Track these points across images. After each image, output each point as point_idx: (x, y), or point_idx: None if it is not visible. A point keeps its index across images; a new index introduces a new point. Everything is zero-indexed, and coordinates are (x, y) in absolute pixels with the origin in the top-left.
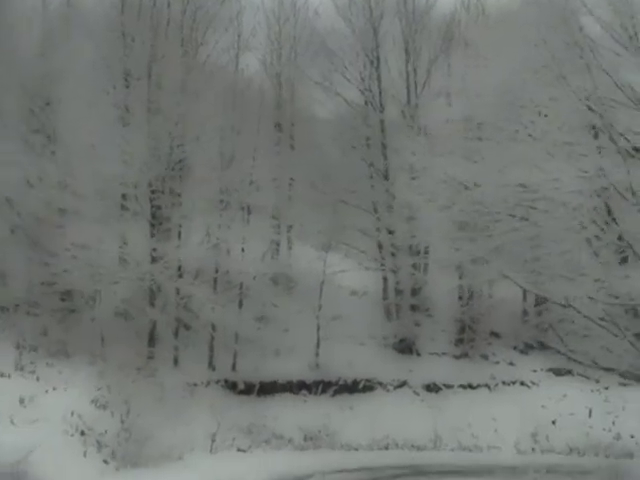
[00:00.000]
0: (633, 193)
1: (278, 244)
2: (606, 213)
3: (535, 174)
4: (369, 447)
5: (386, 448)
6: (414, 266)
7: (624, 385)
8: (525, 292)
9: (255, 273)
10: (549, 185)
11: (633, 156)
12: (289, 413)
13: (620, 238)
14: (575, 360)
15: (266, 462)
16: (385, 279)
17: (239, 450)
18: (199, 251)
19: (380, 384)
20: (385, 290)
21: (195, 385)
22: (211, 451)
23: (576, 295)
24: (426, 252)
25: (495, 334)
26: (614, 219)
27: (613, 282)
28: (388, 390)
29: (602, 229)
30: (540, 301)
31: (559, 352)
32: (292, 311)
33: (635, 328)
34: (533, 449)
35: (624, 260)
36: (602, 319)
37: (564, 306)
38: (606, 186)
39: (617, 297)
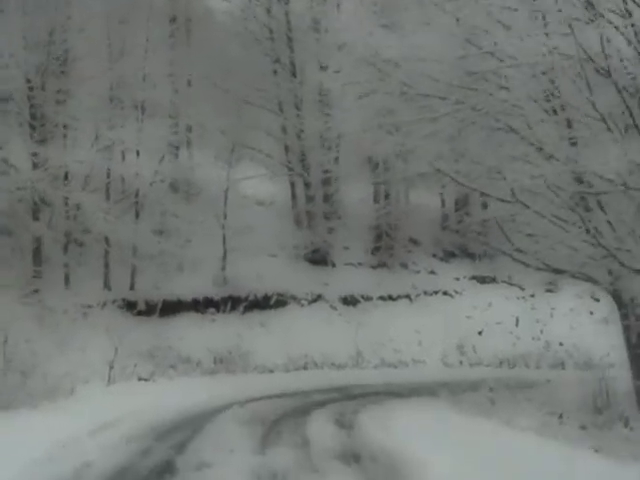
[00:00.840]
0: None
1: (177, 148)
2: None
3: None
4: (285, 368)
5: (304, 368)
6: (326, 170)
7: (550, 292)
8: (443, 196)
9: (152, 179)
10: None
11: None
12: (196, 334)
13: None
14: (523, 262)
15: (173, 392)
16: (293, 185)
17: (141, 379)
18: (88, 155)
19: (293, 298)
20: (294, 197)
21: (89, 307)
22: (109, 381)
23: (523, 186)
24: (338, 150)
25: (414, 241)
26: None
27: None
28: (302, 304)
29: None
30: (460, 205)
31: (504, 253)
32: (195, 222)
33: (589, 222)
34: (461, 362)
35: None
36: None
37: (509, 202)
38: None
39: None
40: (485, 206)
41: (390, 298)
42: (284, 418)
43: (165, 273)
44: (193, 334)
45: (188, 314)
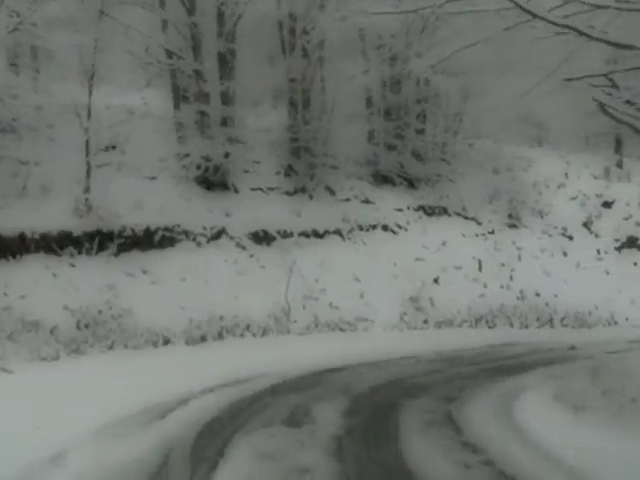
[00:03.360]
0: None
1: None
2: None
3: None
4: (190, 337)
5: (219, 336)
6: (223, 55)
7: (514, 227)
8: (370, 100)
9: None
10: None
11: None
12: (48, 286)
13: None
14: None
15: (11, 410)
16: (175, 81)
17: None
18: None
19: (186, 234)
20: (176, 99)
21: None
22: None
23: None
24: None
25: (337, 159)
26: None
27: None
28: (199, 243)
29: None
30: (394, 116)
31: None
32: (43, 118)
33: None
34: (426, 321)
35: None
36: None
37: None
38: None
39: None
40: (423, 117)
41: (316, 234)
42: None
43: (1, 196)
44: (44, 286)
45: (36, 256)
